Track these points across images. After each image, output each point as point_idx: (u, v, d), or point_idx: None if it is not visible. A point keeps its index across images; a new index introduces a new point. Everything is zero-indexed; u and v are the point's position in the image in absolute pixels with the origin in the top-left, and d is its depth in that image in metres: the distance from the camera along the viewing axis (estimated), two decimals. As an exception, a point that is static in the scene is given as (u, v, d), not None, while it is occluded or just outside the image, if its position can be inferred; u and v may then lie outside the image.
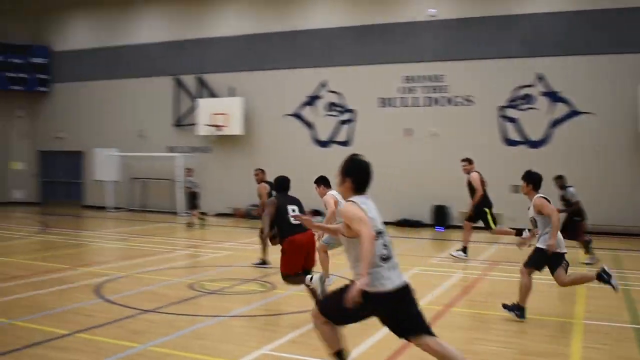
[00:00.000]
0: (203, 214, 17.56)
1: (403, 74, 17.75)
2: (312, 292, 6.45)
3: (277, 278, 8.41)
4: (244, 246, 12.57)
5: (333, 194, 7.40)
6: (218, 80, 20.44)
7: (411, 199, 17.42)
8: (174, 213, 20.25)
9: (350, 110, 18.55)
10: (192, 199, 16.33)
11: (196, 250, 12.19)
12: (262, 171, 10.41)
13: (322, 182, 7.75)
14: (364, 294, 3.55)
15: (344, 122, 18.59)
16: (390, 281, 3.71)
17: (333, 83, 18.75)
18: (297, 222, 6.29)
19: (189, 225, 16.16)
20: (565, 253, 6.61)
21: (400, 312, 3.72)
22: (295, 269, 6.34)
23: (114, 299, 7.36)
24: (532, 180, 6.67)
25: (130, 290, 7.96)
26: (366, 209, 3.75)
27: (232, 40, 20.19)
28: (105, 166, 21.60)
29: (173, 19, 21.30)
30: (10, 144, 24.00)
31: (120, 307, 6.97)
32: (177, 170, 20.29)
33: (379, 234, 3.76)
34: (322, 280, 6.15)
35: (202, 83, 20.78)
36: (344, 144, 18.45)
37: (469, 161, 11.15)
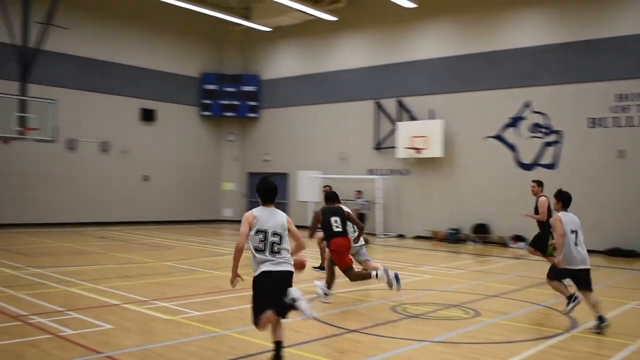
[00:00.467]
0: (369, 234, 17.57)
1: (615, 92, 16.60)
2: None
3: (481, 305, 8.50)
4: (444, 270, 12.38)
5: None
6: (418, 103, 20.42)
7: (624, 226, 16.31)
8: (373, 234, 20.38)
9: (556, 132, 17.76)
10: (360, 220, 14.70)
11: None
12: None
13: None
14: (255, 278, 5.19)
15: (549, 143, 17.91)
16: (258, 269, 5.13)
17: (537, 103, 18.08)
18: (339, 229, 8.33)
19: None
20: (577, 269, 7.04)
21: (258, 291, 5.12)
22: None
23: (320, 317, 7.40)
24: (562, 198, 7.40)
25: (335, 309, 8.02)
26: (257, 215, 5.23)
27: (432, 62, 20.10)
28: (308, 188, 22.32)
29: (375, 44, 21.55)
30: (222, 166, 25.73)
31: (326, 325, 7.01)
32: (377, 192, 20.48)
33: (260, 232, 5.20)
34: (386, 271, 8.19)
35: (401, 106, 20.87)
36: (550, 166, 17.77)
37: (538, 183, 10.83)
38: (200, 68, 25.02)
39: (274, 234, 5.16)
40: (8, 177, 20.14)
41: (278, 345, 5.30)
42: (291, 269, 5.15)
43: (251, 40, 25.37)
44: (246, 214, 5.28)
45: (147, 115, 23.47)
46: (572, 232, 7.17)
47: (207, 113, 25.00)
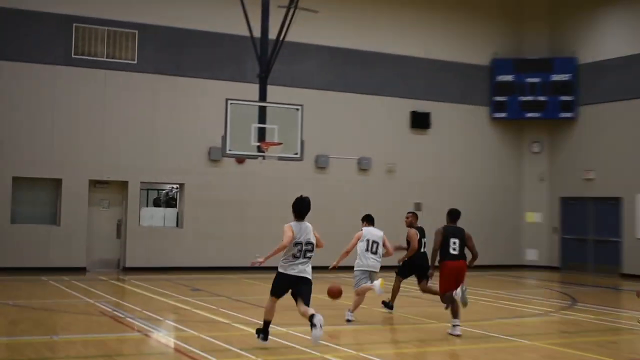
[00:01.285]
0: None
1: None
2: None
3: None
4: None
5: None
6: None
7: None
8: None
9: None
10: None
11: None
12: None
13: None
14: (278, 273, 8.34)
15: None
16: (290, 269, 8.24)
17: None
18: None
19: None
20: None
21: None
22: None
23: None
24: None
25: None
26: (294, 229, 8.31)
27: None
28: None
29: None
30: (524, 189, 24.36)
31: None
32: None
33: (298, 244, 8.21)
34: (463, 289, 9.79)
35: None
36: None
37: None
38: (490, 53, 23.90)
39: (307, 243, 8.24)
40: (245, 206, 19.88)
41: (267, 324, 8.48)
42: (310, 277, 8.25)
43: (562, 10, 23.90)
44: (286, 226, 8.24)
45: (419, 121, 22.83)
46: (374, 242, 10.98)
47: (500, 115, 23.95)
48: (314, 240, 8.28)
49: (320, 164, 21.02)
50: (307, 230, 8.28)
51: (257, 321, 9.46)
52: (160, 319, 10.95)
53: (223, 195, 19.72)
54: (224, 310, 11.93)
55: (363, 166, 21.64)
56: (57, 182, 18.50)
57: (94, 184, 18.79)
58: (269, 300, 8.40)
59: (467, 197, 22.69)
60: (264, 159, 15.94)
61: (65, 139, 18.35)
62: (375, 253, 10.93)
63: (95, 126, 18.70)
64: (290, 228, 8.18)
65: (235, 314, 11.47)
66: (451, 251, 9.83)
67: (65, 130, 18.36)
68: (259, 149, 15.65)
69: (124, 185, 19.07)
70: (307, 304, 8.15)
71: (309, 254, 8.22)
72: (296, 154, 16.20)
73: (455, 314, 9.75)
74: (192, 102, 19.67)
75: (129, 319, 10.73)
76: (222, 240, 19.70)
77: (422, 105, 22.48)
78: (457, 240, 9.90)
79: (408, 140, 22.33)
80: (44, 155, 18.17)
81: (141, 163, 19.05)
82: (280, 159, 16.16)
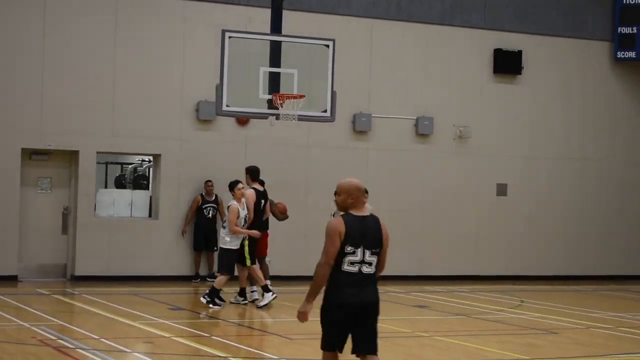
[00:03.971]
0: None
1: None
2: None
3: None
4: None
5: None
6: None
7: None
8: None
9: None
10: None
11: None
12: None
13: None
14: None
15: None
16: None
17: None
18: None
19: None
20: None
21: None
22: None
23: None
24: None
25: None
26: None
27: None
28: None
29: None
30: None
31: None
32: None
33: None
34: None
35: None
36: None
37: None
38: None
39: None
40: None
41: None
42: None
43: None
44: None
45: (506, 64, 22.72)
46: None
47: (628, 54, 23.84)
48: None
49: (360, 126, 21.16)
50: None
51: (270, 356, 9.48)
52: (126, 350, 11.09)
53: (216, 172, 19.77)
54: (217, 339, 12.11)
55: (422, 130, 21.85)
56: (-26, 153, 19.01)
57: (29, 154, 18.97)
58: None
59: (574, 176, 22.95)
60: (277, 118, 16.12)
61: (-14, 89, 18.83)
62: None
63: (31, 72, 18.78)
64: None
65: (235, 344, 11.66)
66: None
67: (-15, 77, 18.83)
68: (271, 104, 15.85)
69: (72, 156, 19.22)
70: None
71: None
72: (325, 111, 16.40)
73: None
74: (171, 34, 19.71)
75: (80, 351, 10.81)
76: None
77: (510, 41, 22.55)
78: None
79: (489, 93, 22.45)
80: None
81: (97, 125, 19.15)
82: (302, 119, 16.30)
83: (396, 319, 13.65)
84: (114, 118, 19.09)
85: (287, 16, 16.46)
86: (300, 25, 18.21)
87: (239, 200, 15.00)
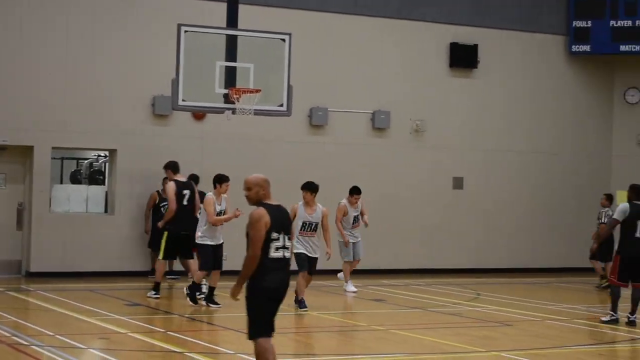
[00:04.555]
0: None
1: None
2: None
3: None
4: None
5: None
6: None
7: None
8: None
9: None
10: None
11: None
12: None
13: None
14: None
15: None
16: None
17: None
18: None
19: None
20: None
21: None
22: None
23: None
24: None
25: None
26: None
27: None
28: None
29: None
30: (614, 155, 24.94)
31: None
32: None
33: None
34: None
35: None
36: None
37: None
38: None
39: None
40: (206, 182, 19.43)
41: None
42: None
43: None
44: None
45: (462, 57, 22.95)
46: None
47: (582, 47, 24.07)
48: None
49: (317, 120, 21.22)
50: None
51: (226, 351, 9.52)
52: (82, 346, 11.07)
53: (173, 167, 19.74)
54: (174, 334, 12.12)
55: (379, 124, 21.86)
56: None
57: (-18, 150, 19.05)
58: None
59: (529, 169, 23.07)
60: (233, 113, 16.10)
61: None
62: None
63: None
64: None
65: (191, 339, 11.65)
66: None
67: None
68: (227, 98, 15.81)
69: (27, 152, 19.12)
70: None
71: None
72: (281, 105, 16.41)
73: None
74: (126, 28, 19.61)
75: (35, 348, 10.78)
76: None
77: (466, 34, 22.64)
78: None
79: (445, 86, 22.54)
80: None
81: (52, 120, 19.06)
82: (258, 113, 16.25)
83: (353, 313, 13.78)
84: (69, 113, 18.95)
85: (243, 10, 16.39)
86: (256, 19, 18.16)
87: (218, 195, 14.88)
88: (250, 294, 8.10)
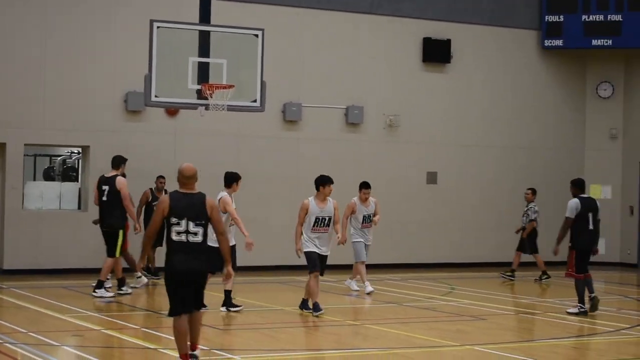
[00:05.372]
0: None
1: None
2: None
3: None
4: None
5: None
6: None
7: None
8: None
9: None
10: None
11: None
12: None
13: None
14: None
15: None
16: None
17: None
18: None
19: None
20: None
21: None
22: None
23: None
24: None
25: None
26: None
27: None
28: None
29: None
30: (586, 149, 24.98)
31: None
32: None
33: None
34: None
35: None
36: None
37: None
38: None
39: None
40: None
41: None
42: None
43: None
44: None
45: (435, 52, 23.01)
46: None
47: (554, 42, 24.27)
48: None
49: (290, 116, 21.27)
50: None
51: (200, 346, 9.56)
52: (56, 344, 11.05)
53: (146, 163, 19.63)
54: (148, 331, 12.16)
55: (353, 119, 21.94)
56: None
57: (-46, 147, 18.94)
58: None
59: (502, 163, 23.19)
60: (206, 109, 16.07)
61: None
62: None
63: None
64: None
65: (166, 336, 11.61)
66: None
67: None
68: (200, 94, 15.78)
69: (-1, 149, 19.31)
70: None
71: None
72: (254, 101, 16.39)
73: None
74: (99, 24, 19.60)
75: (8, 346, 10.75)
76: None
77: (439, 29, 22.64)
78: None
79: (419, 81, 22.58)
80: None
81: (25, 116, 19.04)
82: (231, 109, 16.26)
83: (327, 308, 13.76)
84: (42, 109, 18.92)
85: (216, 6, 16.38)
86: (229, 15, 18.18)
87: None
88: (164, 276, 9.19)
